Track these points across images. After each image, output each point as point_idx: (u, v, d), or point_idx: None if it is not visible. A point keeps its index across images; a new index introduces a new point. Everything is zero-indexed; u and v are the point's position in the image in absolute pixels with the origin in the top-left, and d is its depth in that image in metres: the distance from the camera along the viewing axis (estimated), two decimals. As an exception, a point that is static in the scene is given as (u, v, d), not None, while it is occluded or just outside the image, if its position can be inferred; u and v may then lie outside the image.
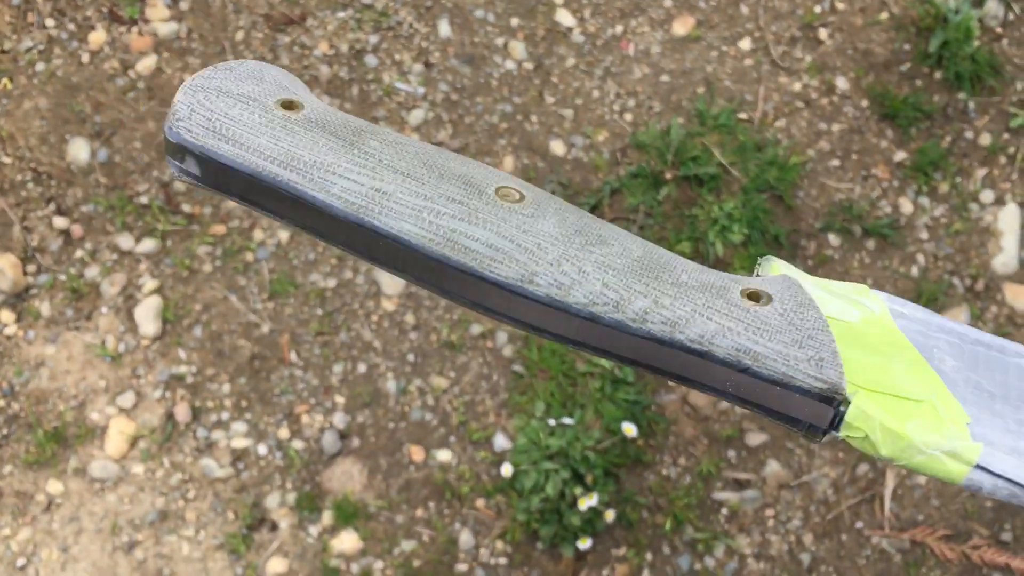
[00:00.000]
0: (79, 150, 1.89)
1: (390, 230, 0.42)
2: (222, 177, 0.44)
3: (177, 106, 0.45)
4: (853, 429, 0.41)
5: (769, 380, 0.41)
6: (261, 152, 0.43)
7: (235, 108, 0.44)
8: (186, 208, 1.87)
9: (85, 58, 1.94)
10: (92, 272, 1.84)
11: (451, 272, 0.42)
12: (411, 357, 1.81)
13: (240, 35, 1.96)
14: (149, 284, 1.82)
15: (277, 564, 1.70)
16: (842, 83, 1.98)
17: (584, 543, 1.70)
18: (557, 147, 1.93)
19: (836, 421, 0.42)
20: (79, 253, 1.85)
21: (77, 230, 1.86)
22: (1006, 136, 1.95)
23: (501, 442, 1.77)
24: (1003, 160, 1.95)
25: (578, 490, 1.67)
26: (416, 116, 1.93)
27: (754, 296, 0.43)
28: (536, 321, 0.42)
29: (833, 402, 0.41)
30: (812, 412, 0.42)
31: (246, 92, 0.45)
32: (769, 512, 1.77)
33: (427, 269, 0.43)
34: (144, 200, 1.87)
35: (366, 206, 0.42)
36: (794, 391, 0.41)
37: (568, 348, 0.39)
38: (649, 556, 1.74)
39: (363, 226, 0.42)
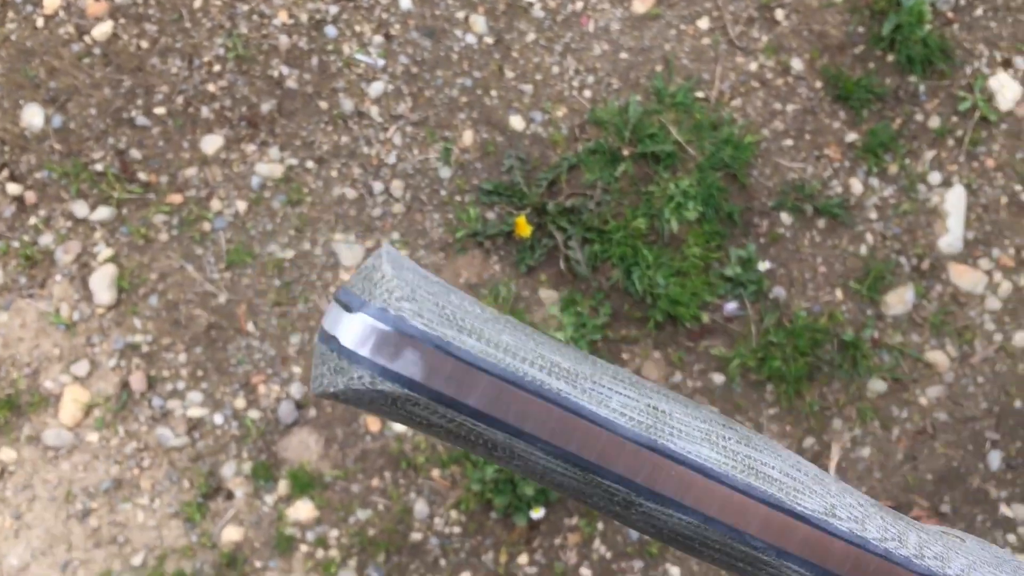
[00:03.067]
0: (33, 116, 1.87)
1: (687, 454, 0.32)
2: (457, 385, 0.31)
3: (389, 281, 0.31)
4: None
5: None
6: (513, 351, 0.32)
7: (452, 295, 0.33)
8: (142, 176, 1.86)
9: (40, 23, 1.92)
10: (46, 239, 1.82)
11: (752, 508, 0.33)
12: (368, 329, 1.82)
13: (198, 2, 1.94)
14: (104, 252, 1.81)
15: (232, 532, 1.72)
16: (797, 64, 2.01)
17: (537, 512, 1.73)
18: (516, 122, 1.94)
19: None
20: (33, 220, 1.83)
21: (31, 197, 1.84)
22: (954, 119, 2.00)
23: (457, 413, 1.79)
24: (951, 143, 1.99)
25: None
26: (376, 88, 1.93)
27: None
28: (835, 565, 0.35)
29: None
30: None
31: (434, 278, 0.34)
32: (718, 483, 1.81)
33: (725, 507, 0.32)
34: (99, 167, 1.85)
35: (653, 425, 0.32)
36: None
37: None
38: (601, 525, 1.77)
39: (655, 450, 0.32)
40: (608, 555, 1.76)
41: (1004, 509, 1.84)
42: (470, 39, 1.98)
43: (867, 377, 1.87)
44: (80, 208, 1.83)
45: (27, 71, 1.89)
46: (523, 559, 1.74)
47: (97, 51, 1.92)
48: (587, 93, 1.97)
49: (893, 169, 1.97)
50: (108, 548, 1.69)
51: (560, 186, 1.91)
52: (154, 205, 1.85)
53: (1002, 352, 1.91)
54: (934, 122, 2.00)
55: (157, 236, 1.83)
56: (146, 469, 1.73)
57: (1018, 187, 1.98)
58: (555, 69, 1.98)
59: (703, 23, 2.03)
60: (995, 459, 1.86)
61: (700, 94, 1.98)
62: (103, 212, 1.83)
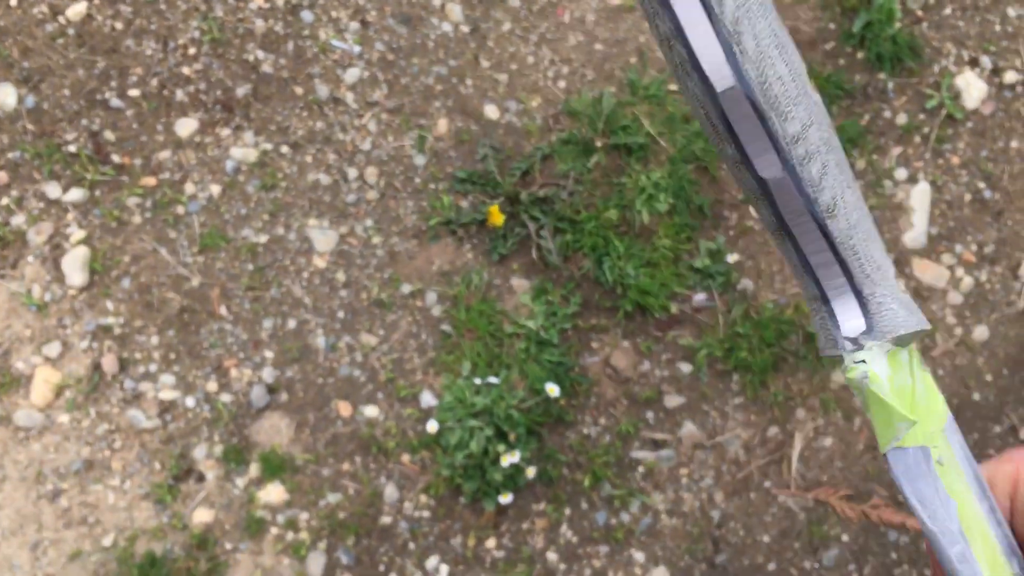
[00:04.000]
0: (6, 96, 1.86)
1: None
2: None
3: None
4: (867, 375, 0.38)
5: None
6: None
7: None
8: (116, 158, 1.86)
9: (13, 2, 1.90)
10: (18, 220, 1.82)
11: None
12: (341, 314, 1.84)
13: (174, -15, 1.94)
14: (77, 234, 1.81)
15: (203, 514, 1.73)
16: (769, 59, 2.04)
17: (506, 498, 1.76)
18: (491, 111, 1.95)
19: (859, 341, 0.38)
20: (5, 200, 1.83)
21: (3, 177, 1.83)
22: (921, 116, 2.04)
23: (428, 399, 1.81)
24: (917, 140, 2.03)
25: (501, 447, 1.73)
26: (351, 75, 1.94)
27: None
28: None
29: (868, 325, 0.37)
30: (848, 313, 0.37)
31: None
32: (683, 471, 1.85)
33: None
34: (72, 149, 1.85)
35: None
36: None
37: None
38: (568, 511, 1.81)
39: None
40: (575, 540, 1.79)
41: (960, 499, 1.89)
42: (446, 27, 1.99)
43: (830, 369, 1.91)
44: (53, 189, 1.83)
45: (0, 51, 1.88)
46: (491, 543, 1.77)
47: (71, 32, 1.91)
48: (561, 84, 1.99)
49: (860, 164, 2.01)
50: (78, 529, 1.70)
51: (533, 176, 1.93)
52: (127, 187, 1.85)
53: (962, 346, 1.96)
54: (901, 119, 2.04)
55: (130, 218, 1.84)
56: (117, 451, 1.74)
57: (981, 184, 2.02)
58: (530, 59, 1.99)
59: (677, 16, 2.05)
60: (953, 450, 1.90)
61: (673, 87, 2.00)
62: (76, 194, 1.83)
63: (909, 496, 0.38)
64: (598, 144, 1.93)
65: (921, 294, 1.97)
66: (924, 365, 0.39)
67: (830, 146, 0.35)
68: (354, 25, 1.97)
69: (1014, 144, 2.04)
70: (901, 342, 0.38)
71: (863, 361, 0.38)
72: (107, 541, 1.70)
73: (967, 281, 1.98)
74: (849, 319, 0.38)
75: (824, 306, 0.38)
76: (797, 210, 0.36)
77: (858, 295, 0.38)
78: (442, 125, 1.94)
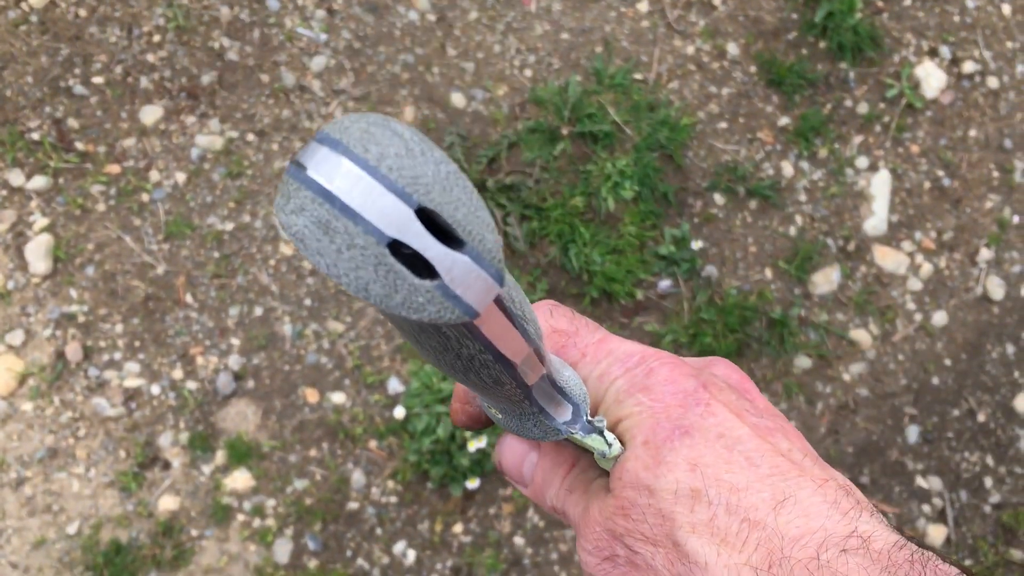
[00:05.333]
0: (-33, 82, 1.84)
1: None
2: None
3: None
4: None
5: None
6: None
7: None
8: (80, 146, 1.85)
9: (-26, -13, 1.89)
10: (-20, 208, 1.80)
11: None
12: (308, 301, 1.84)
13: (138, -28, 1.93)
14: (40, 222, 1.80)
15: (169, 501, 1.73)
16: (733, 49, 2.06)
17: (472, 483, 1.77)
18: (458, 99, 1.96)
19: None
20: (-34, 188, 1.81)
21: (-36, 164, 1.82)
22: (882, 106, 2.07)
23: (395, 386, 1.81)
24: (878, 128, 2.06)
25: (468, 433, 1.74)
26: (318, 63, 1.94)
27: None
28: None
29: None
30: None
31: None
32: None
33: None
34: (36, 136, 1.84)
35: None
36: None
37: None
38: (534, 496, 1.82)
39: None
40: (541, 524, 1.81)
41: (920, 480, 1.92)
42: (413, 16, 2.00)
43: (793, 354, 1.94)
44: (16, 177, 1.82)
45: (-39, 37, 1.86)
46: (458, 528, 1.78)
47: (34, 19, 1.89)
48: (528, 72, 2.00)
49: (823, 153, 2.04)
50: (42, 516, 1.69)
51: (500, 163, 1.94)
52: (91, 175, 1.84)
53: (922, 331, 1.99)
54: (862, 108, 2.06)
55: (94, 206, 1.83)
56: (81, 439, 1.73)
57: (940, 173, 2.05)
58: (497, 48, 2.00)
59: (642, 6, 2.07)
60: (913, 433, 1.94)
61: (638, 76, 2.02)
62: (39, 181, 1.82)
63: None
64: (564, 132, 1.95)
65: (882, 280, 2.00)
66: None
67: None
68: (320, 13, 1.97)
69: (972, 133, 2.08)
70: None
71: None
72: (72, 529, 1.69)
73: (926, 267, 2.01)
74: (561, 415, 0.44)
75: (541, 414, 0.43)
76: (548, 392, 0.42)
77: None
78: (409, 113, 1.94)
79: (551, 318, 0.45)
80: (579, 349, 0.43)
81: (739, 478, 0.37)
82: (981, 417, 1.96)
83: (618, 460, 0.41)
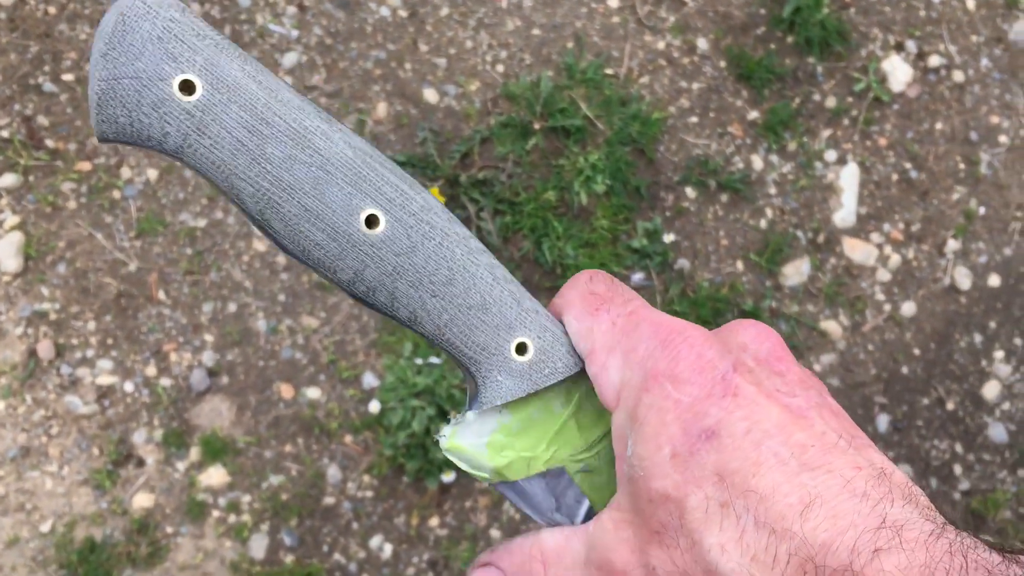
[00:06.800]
0: (-66, 80, 1.83)
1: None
2: None
3: None
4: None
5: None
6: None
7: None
8: (50, 143, 1.84)
9: (-59, -16, 1.87)
10: (-51, 206, 1.79)
11: None
12: (282, 297, 1.84)
13: (108, -32, 1.92)
14: (10, 220, 1.79)
15: (143, 499, 1.72)
16: (703, 44, 2.08)
17: (448, 476, 1.77)
18: (430, 95, 1.97)
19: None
20: (-65, 186, 1.80)
21: (-67, 162, 1.80)
22: (850, 100, 2.09)
23: (370, 380, 1.82)
24: (846, 122, 2.09)
25: (443, 426, 1.74)
26: (289, 59, 1.94)
27: (521, 348, 0.45)
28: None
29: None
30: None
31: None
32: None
33: None
34: (5, 134, 1.83)
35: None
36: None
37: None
38: (510, 488, 1.83)
39: None
40: (517, 517, 1.81)
41: (891, 469, 1.95)
42: (384, 12, 2.00)
43: (765, 345, 1.96)
44: (-15, 174, 1.80)
45: (-72, 34, 1.84)
46: (434, 521, 1.79)
47: (3, 16, 1.88)
48: (500, 68, 2.01)
49: (792, 146, 2.06)
50: (16, 515, 1.68)
51: (473, 158, 1.95)
52: (62, 172, 1.83)
53: (891, 321, 2.02)
54: (831, 102, 2.09)
55: (65, 204, 1.82)
56: (55, 437, 1.72)
57: (908, 165, 2.08)
58: (469, 43, 2.01)
59: (613, 2, 2.08)
60: (883, 422, 1.96)
61: (610, 71, 2.03)
62: (9, 179, 1.81)
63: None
64: (536, 127, 1.96)
65: (851, 272, 2.02)
66: (584, 403, 0.46)
67: (399, 272, 0.42)
68: (291, 9, 1.97)
69: (939, 126, 2.11)
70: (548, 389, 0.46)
71: (444, 436, 0.45)
72: (45, 527, 1.68)
73: (895, 259, 2.04)
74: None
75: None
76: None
77: (469, 374, 0.45)
78: (381, 109, 1.95)
79: (590, 283, 0.45)
80: (610, 317, 0.44)
81: (766, 482, 0.36)
82: (950, 405, 1.99)
83: (641, 476, 0.40)
